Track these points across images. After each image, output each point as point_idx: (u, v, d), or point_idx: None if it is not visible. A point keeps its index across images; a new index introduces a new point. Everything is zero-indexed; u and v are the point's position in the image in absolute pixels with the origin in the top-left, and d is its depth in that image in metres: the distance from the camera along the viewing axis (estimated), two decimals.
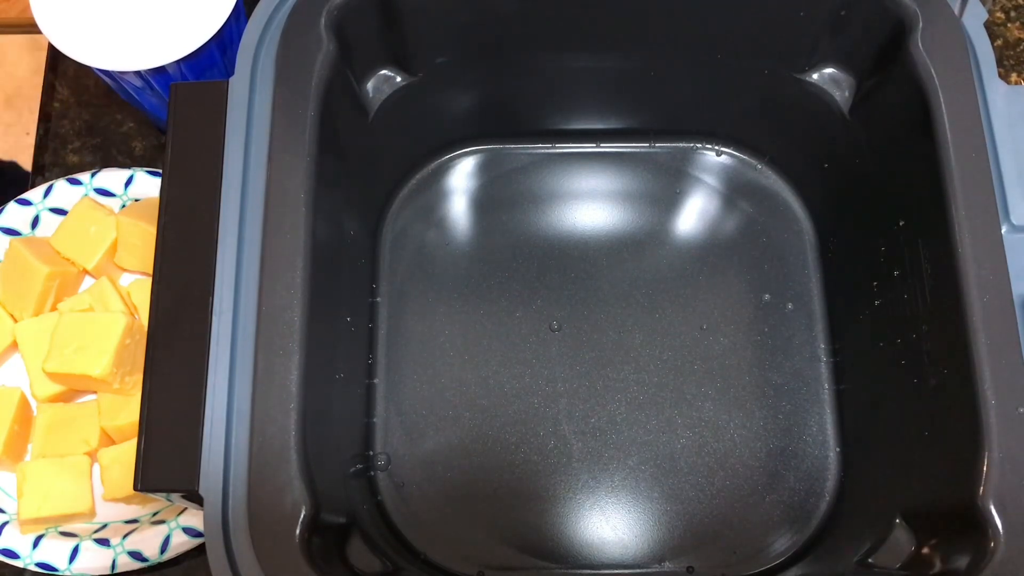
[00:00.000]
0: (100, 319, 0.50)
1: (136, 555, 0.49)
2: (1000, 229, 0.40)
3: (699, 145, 0.57)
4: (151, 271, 0.42)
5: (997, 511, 0.37)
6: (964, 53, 0.42)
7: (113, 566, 0.49)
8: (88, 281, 0.56)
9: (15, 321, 0.54)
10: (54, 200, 0.56)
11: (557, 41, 0.50)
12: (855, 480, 0.49)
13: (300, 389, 0.38)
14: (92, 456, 0.51)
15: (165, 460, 0.37)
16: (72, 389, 0.52)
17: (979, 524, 0.37)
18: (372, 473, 0.50)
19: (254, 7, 0.44)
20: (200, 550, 0.50)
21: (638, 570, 0.49)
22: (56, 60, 0.63)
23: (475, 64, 0.51)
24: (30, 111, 0.63)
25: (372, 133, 0.50)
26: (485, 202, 0.56)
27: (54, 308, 0.54)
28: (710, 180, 0.56)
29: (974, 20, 0.44)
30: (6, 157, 0.62)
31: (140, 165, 0.60)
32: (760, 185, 0.56)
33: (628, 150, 0.57)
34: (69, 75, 0.63)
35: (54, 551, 0.49)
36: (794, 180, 0.56)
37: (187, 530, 0.49)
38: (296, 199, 0.40)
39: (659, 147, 0.57)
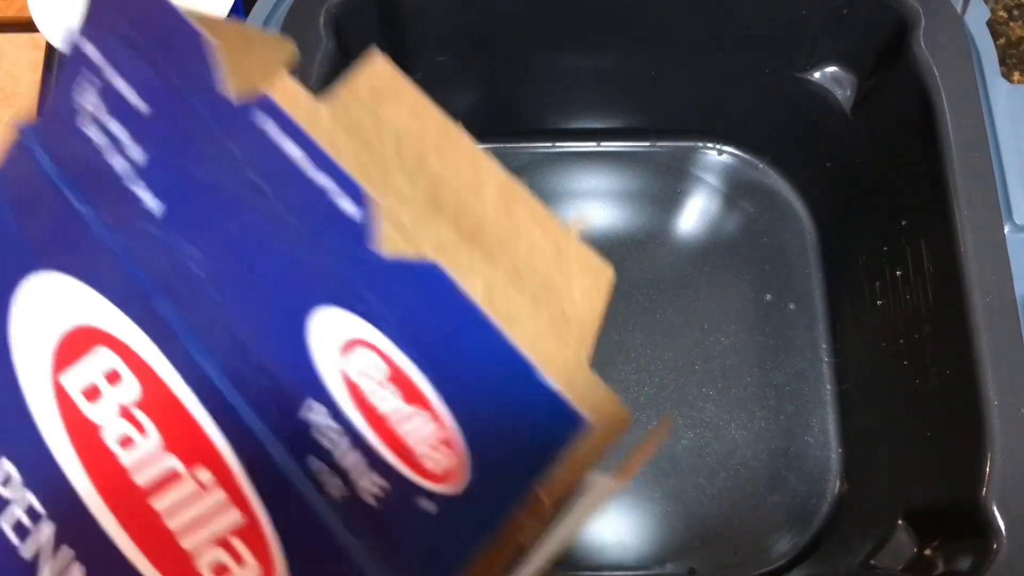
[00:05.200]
0: None
1: None
2: (1003, 229, 0.40)
3: (700, 144, 0.57)
4: None
5: (1000, 512, 0.36)
6: (966, 52, 0.42)
7: None
8: None
9: None
10: None
11: (557, 40, 0.50)
12: (857, 481, 0.49)
13: None
14: None
15: None
16: None
17: (981, 525, 0.37)
18: None
19: (254, 6, 0.44)
20: None
21: (639, 572, 0.48)
22: (54, 58, 0.63)
23: (475, 63, 0.51)
24: (28, 110, 0.63)
25: None
26: None
27: None
28: (711, 179, 0.56)
29: (976, 19, 0.43)
30: (3, 155, 0.61)
31: None
32: (761, 184, 0.56)
33: (629, 149, 0.57)
34: None
35: None
36: (796, 179, 0.56)
37: None
38: None
39: (660, 146, 0.57)
